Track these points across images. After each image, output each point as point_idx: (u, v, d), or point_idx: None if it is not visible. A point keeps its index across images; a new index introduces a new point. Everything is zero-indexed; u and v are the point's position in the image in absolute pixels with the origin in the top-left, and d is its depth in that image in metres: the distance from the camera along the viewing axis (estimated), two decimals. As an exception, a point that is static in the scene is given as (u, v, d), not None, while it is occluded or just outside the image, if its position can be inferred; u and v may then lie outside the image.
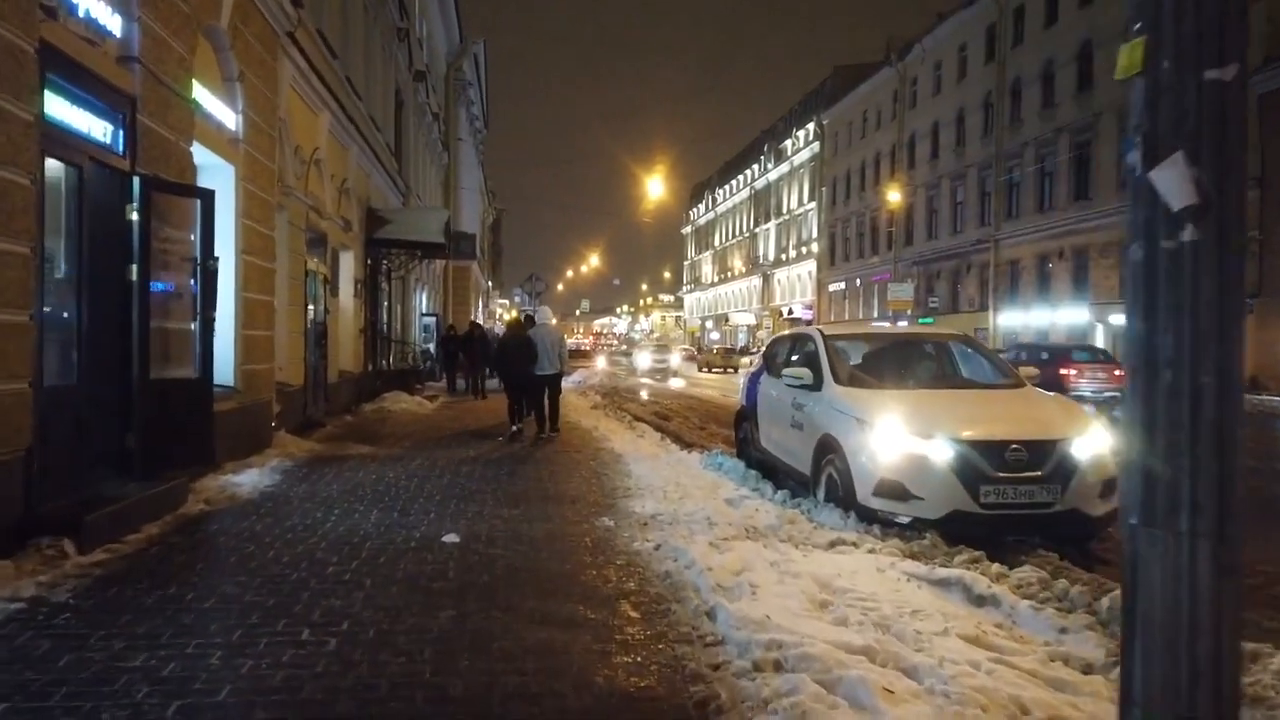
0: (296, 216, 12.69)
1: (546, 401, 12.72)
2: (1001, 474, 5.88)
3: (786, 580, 4.74)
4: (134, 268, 6.41)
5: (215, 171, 8.86)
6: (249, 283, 9.33)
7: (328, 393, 14.75)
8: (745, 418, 9.39)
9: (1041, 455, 5.96)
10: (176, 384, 6.93)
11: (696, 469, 9.16)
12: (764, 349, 9.73)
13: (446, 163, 38.05)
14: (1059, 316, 38.01)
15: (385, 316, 21.73)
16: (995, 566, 5.19)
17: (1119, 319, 34.32)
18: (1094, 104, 35.98)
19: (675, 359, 47.65)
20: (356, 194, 17.44)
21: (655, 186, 39.79)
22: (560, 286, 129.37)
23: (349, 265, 17.30)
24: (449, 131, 37.50)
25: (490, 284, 73.30)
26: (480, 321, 27.18)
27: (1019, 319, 40.91)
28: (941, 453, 5.96)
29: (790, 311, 70.83)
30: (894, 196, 44.72)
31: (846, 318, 61.12)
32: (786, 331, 9.90)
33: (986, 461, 5.90)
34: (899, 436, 6.10)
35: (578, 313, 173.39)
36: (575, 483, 8.50)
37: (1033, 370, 7.70)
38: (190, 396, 7.03)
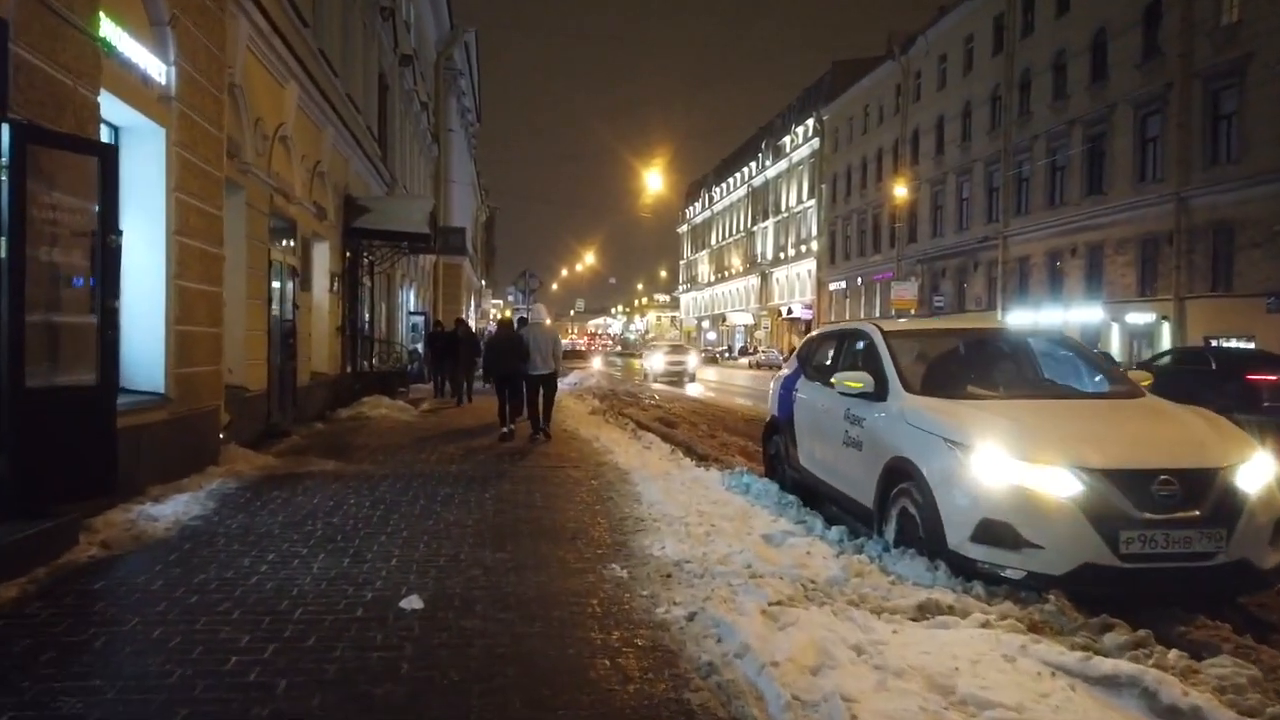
0: (257, 198, 11.18)
1: (540, 402, 12.33)
2: (1148, 514, 4.40)
3: (889, 683, 3.26)
4: (1, 242, 4.90)
5: (140, 135, 7.35)
6: (186, 269, 7.82)
7: (296, 398, 13.23)
8: (777, 430, 7.89)
9: (1199, 489, 4.48)
10: (66, 393, 5.40)
11: (719, 491, 7.67)
12: (798, 349, 8.19)
13: (436, 155, 36.53)
14: (1071, 315, 36.58)
15: (367, 314, 20.20)
16: (1173, 654, 3.70)
17: (1136, 318, 32.95)
18: (1108, 95, 34.57)
19: (693, 361, 40.81)
20: (333, 180, 15.93)
21: (653, 181, 38.36)
22: (555, 286, 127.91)
23: (324, 257, 15.78)
24: (439, 122, 35.97)
25: (484, 283, 71.78)
26: (466, 318, 25.48)
27: (1028, 318, 39.48)
28: (1066, 486, 4.47)
29: (789, 311, 69.46)
30: (900, 191, 43.27)
31: (848, 317, 59.75)
32: (828, 328, 8.39)
33: (1128, 498, 4.42)
34: (1006, 463, 4.60)
35: (572, 313, 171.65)
36: (575, 510, 7.01)
37: (1143, 375, 6.16)
38: (85, 408, 5.50)
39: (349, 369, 17.59)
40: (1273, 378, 16.63)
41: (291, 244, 13.27)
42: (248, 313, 10.83)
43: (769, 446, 8.16)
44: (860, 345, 6.52)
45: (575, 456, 10.42)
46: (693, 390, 29.44)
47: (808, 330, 67.00)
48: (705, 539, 5.78)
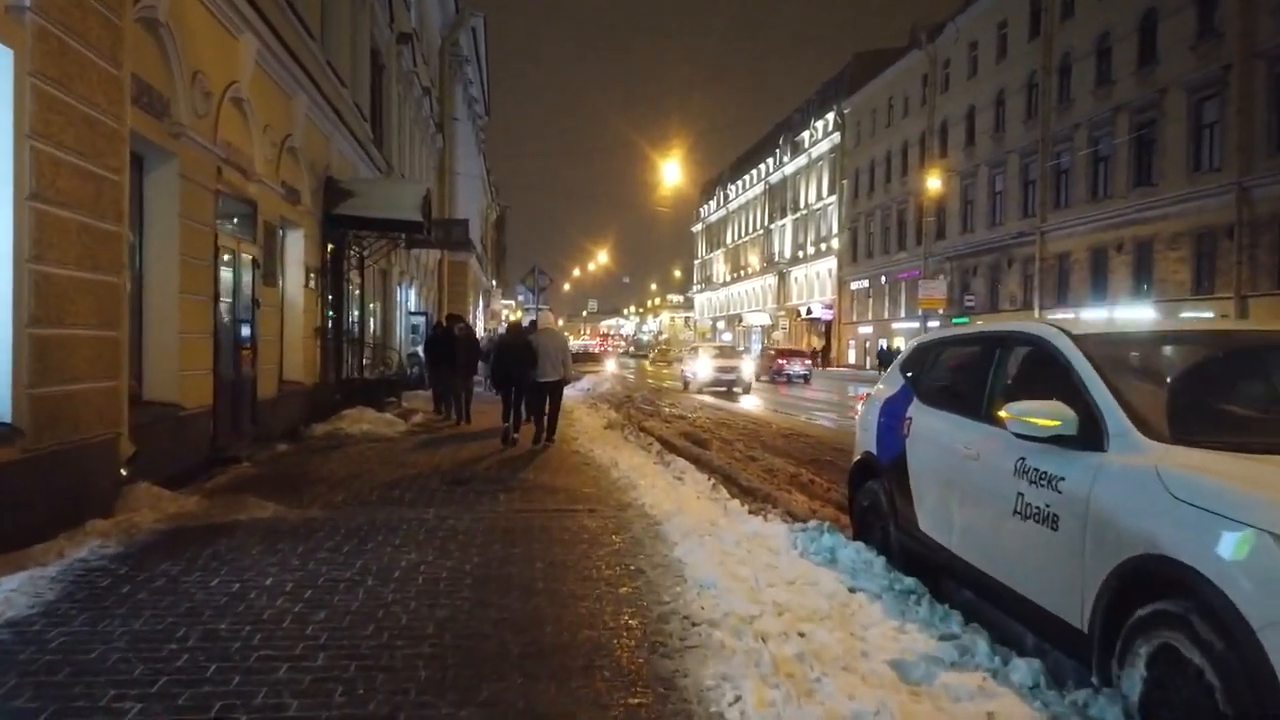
0: (197, 169, 9.02)
1: (547, 409, 12.09)
2: None
3: None
4: None
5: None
6: (50, 249, 5.63)
7: (257, 414, 11.08)
8: (872, 473, 5.60)
9: None
10: None
11: (793, 559, 5.43)
12: (903, 358, 5.87)
13: (441, 146, 34.38)
14: (1117, 315, 34.16)
15: (355, 314, 18.05)
16: None
17: (1192, 318, 30.51)
18: (1158, 79, 32.20)
19: (748, 369, 30.94)
20: (309, 159, 13.77)
21: (670, 173, 35.99)
22: (567, 286, 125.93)
23: (298, 247, 13.62)
24: (444, 111, 33.83)
25: (494, 282, 69.65)
26: (463, 315, 22.91)
27: (1070, 318, 37.06)
28: None
29: (809, 311, 67.07)
30: (933, 183, 40.95)
31: (870, 317, 57.37)
32: (957, 329, 6.09)
33: None
34: None
35: (584, 314, 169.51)
36: (590, 601, 4.75)
37: None
38: None
39: (333, 376, 15.44)
40: None
41: (251, 229, 11.11)
42: (182, 311, 8.67)
43: (859, 495, 5.84)
44: (1032, 357, 4.27)
45: (590, 493, 8.20)
46: (716, 399, 26.15)
47: (828, 331, 64.68)
48: (803, 673, 3.56)
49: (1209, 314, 29.68)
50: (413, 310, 27.25)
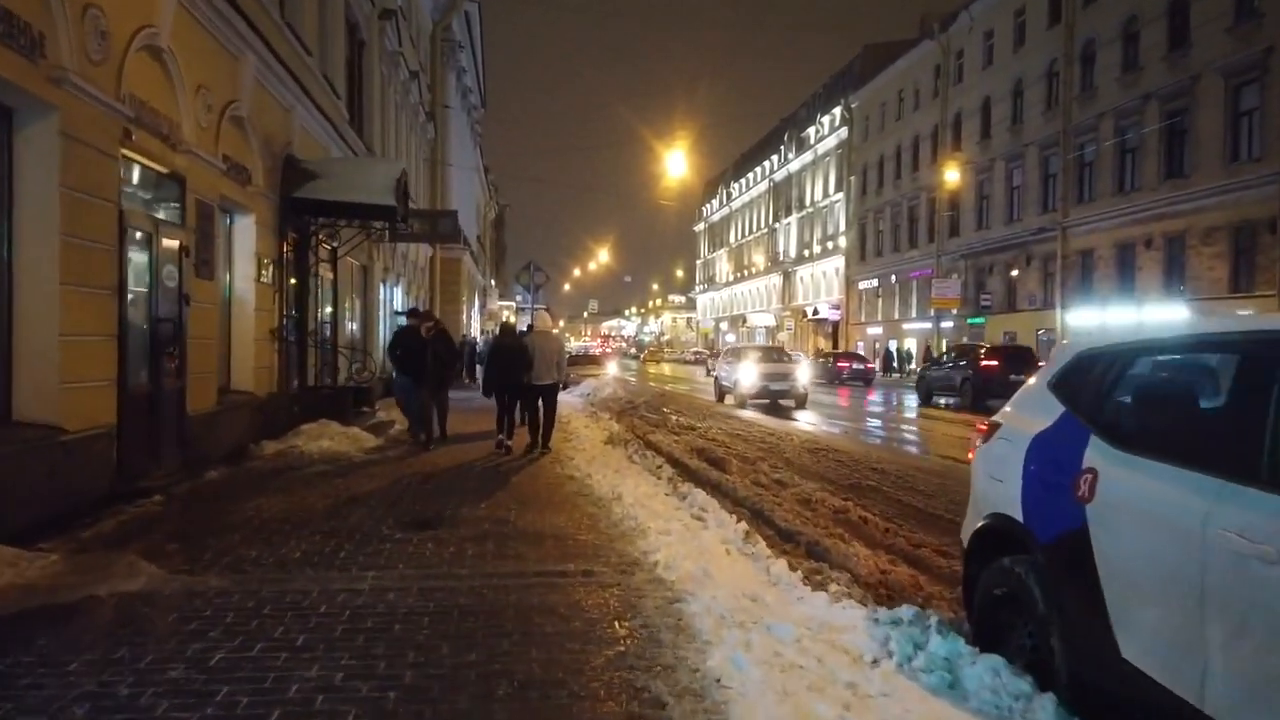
0: (89, 128, 7.12)
1: (542, 414, 11.75)
2: None
3: None
4: None
5: None
6: None
7: (186, 432, 9.17)
8: (1016, 546, 3.60)
9: None
10: None
11: (893, 682, 3.52)
12: (1057, 372, 3.73)
13: (433, 136, 32.49)
14: (1147, 314, 32.23)
15: (326, 313, 16.15)
16: None
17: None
18: (1191, 64, 30.32)
19: (803, 377, 24.28)
20: (263, 133, 11.88)
21: (674, 166, 34.02)
22: (567, 286, 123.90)
23: (248, 235, 11.72)
24: (435, 98, 31.92)
25: (493, 282, 67.73)
26: (429, 309, 20.48)
27: (1094, 318, 35.15)
28: None
29: (815, 311, 65.16)
30: (951, 175, 39.07)
31: (879, 318, 55.41)
32: (1157, 331, 4.00)
33: None
34: None
35: (585, 315, 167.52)
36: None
37: None
38: None
39: (294, 384, 13.54)
40: None
41: (178, 210, 9.20)
42: (64, 307, 6.78)
43: (986, 578, 3.77)
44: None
45: (586, 542, 6.29)
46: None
47: (835, 332, 62.47)
48: None
49: (1249, 313, 27.89)
50: (399, 310, 25.34)
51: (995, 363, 24.85)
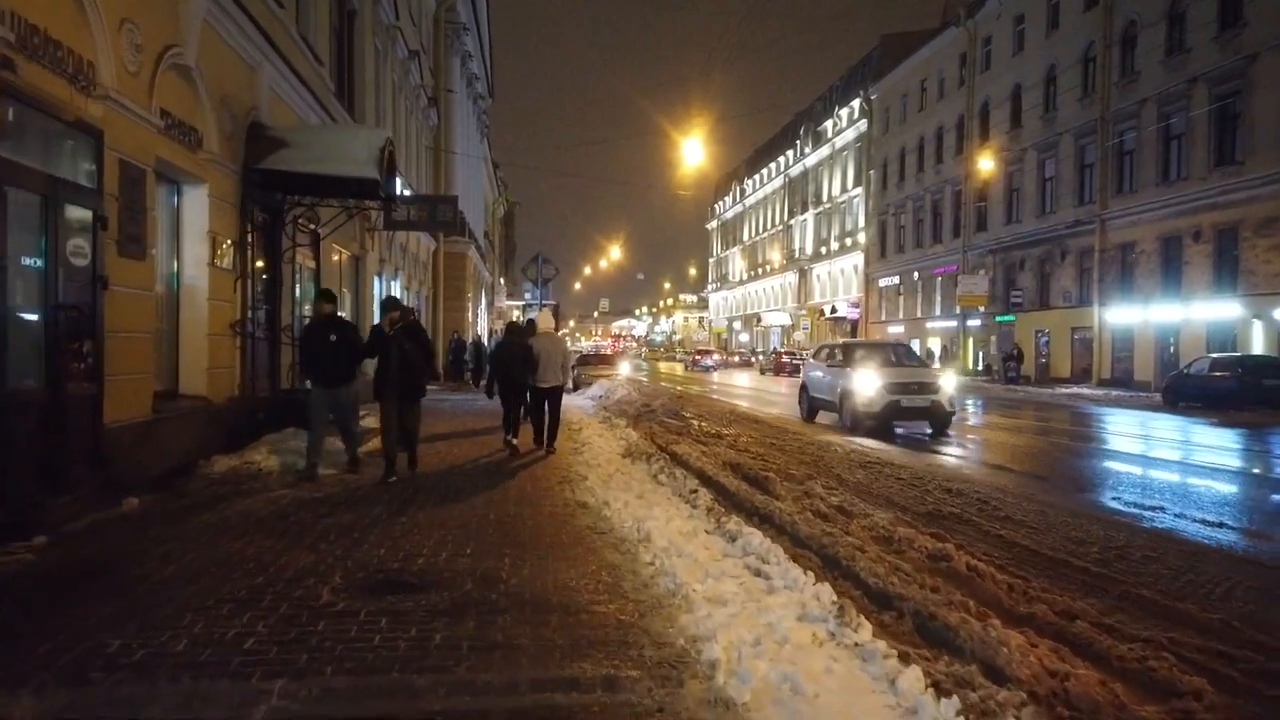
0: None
1: (547, 415, 11.70)
2: None
3: None
4: None
5: None
6: None
7: (103, 448, 7.30)
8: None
9: None
10: None
11: None
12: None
13: (436, 122, 30.65)
14: (1194, 312, 30.21)
15: (304, 307, 14.28)
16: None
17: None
18: (1244, 44, 28.26)
19: (949, 386, 16.53)
20: (217, 90, 10.01)
21: (691, 154, 32.01)
22: (578, 285, 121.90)
23: (200, 210, 9.85)
24: (438, 82, 30.08)
25: (502, 280, 65.86)
26: (401, 299, 18.20)
27: (1135, 315, 33.07)
28: None
29: (833, 310, 63.11)
30: (985, 164, 36.99)
31: (901, 316, 53.33)
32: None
33: None
34: None
35: (596, 314, 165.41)
36: None
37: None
38: None
39: (262, 388, 11.68)
40: None
41: (91, 171, 7.33)
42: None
43: None
44: None
45: (606, 616, 4.40)
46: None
47: (853, 331, 60.16)
48: None
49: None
50: (384, 300, 23.42)
51: None
